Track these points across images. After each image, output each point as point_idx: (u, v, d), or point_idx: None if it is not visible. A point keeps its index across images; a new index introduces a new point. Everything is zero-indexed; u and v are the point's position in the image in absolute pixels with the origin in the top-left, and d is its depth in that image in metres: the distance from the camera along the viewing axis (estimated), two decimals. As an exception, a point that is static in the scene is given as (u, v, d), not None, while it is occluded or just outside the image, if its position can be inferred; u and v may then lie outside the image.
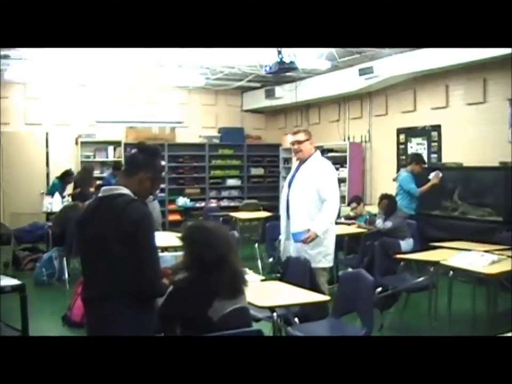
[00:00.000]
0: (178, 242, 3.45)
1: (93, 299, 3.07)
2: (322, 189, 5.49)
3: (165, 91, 13.34)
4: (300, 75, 11.76)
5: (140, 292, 2.97)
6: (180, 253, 3.52)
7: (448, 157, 9.91)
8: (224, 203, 13.99)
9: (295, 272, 5.02)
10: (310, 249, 5.46)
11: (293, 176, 5.77)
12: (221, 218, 10.46)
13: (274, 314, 4.10)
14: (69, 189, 10.74)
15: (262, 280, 4.90)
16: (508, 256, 5.60)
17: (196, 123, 14.17)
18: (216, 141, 14.20)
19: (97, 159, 12.96)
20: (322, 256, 5.58)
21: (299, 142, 5.80)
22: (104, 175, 11.97)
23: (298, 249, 5.49)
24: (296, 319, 4.38)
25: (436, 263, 5.66)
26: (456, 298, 5.99)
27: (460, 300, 6.24)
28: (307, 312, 4.56)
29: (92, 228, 3.05)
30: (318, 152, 5.90)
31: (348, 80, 11.08)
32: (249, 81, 12.45)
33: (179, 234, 3.46)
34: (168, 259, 4.05)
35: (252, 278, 4.38)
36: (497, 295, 5.83)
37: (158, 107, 13.48)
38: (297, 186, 5.67)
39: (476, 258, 5.41)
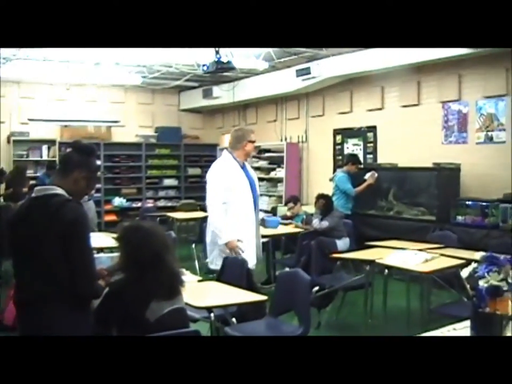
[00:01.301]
0: (114, 243, 3.40)
1: (27, 302, 2.98)
2: None
3: (101, 89, 13.14)
4: (237, 75, 11.76)
5: (75, 294, 2.91)
6: (116, 254, 3.47)
7: (384, 158, 10.08)
8: (161, 203, 13.86)
9: (232, 272, 5.01)
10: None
11: (248, 175, 5.75)
12: (158, 219, 10.35)
13: (212, 314, 4.08)
14: (1, 189, 10.44)
15: (199, 281, 4.87)
16: (440, 254, 5.73)
17: (133, 122, 14.01)
18: (153, 140, 14.06)
19: (31, 158, 12.64)
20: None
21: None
22: (38, 174, 11.66)
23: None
24: (233, 319, 4.37)
25: (371, 262, 5.75)
26: (391, 295, 6.10)
27: (395, 297, 6.35)
28: (244, 312, 4.55)
29: (25, 229, 2.97)
30: None
31: (285, 81, 11.14)
32: (187, 80, 12.38)
33: (115, 235, 3.41)
34: (104, 260, 3.97)
35: (189, 278, 4.36)
36: (431, 292, 5.96)
37: (93, 105, 13.27)
38: (256, 184, 5.78)
39: (410, 257, 5.52)
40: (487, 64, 8.36)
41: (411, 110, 9.68)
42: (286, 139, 12.48)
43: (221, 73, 9.31)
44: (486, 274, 2.56)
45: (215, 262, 5.59)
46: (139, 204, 13.58)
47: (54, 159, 12.16)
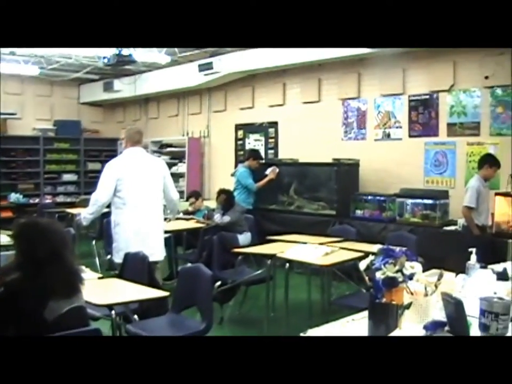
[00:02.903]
0: (9, 241, 3.27)
1: None
2: None
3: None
4: (139, 68, 11.61)
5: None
6: (12, 252, 3.34)
7: (285, 153, 10.22)
8: (60, 199, 13.46)
9: (134, 268, 4.94)
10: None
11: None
12: (57, 215, 10.08)
13: (113, 312, 4.00)
14: None
15: (100, 278, 4.76)
16: (340, 248, 5.87)
17: (30, 115, 13.53)
18: (52, 134, 13.64)
19: None
20: (116, 252, 5.68)
21: None
22: None
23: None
24: (135, 316, 4.31)
25: (272, 256, 5.80)
26: (292, 289, 6.18)
27: (296, 290, 6.45)
28: (146, 308, 4.51)
29: None
30: None
31: (188, 75, 11.08)
32: (87, 73, 12.06)
33: (10, 232, 3.28)
34: (-2, 258, 3.83)
35: (89, 275, 4.27)
36: (331, 285, 6.09)
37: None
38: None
39: (310, 251, 5.62)
40: (385, 64, 8.64)
41: (312, 107, 9.86)
42: (187, 134, 12.43)
43: (122, 66, 9.16)
44: (382, 266, 2.64)
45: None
46: (37, 200, 13.13)
47: None
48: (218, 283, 5.92)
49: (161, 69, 11.59)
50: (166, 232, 7.76)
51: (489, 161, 6.80)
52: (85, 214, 5.75)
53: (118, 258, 5.53)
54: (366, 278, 2.84)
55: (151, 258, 5.22)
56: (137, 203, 5.60)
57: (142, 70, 11.84)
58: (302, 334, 2.57)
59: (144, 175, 5.69)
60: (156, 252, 5.67)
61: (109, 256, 7.76)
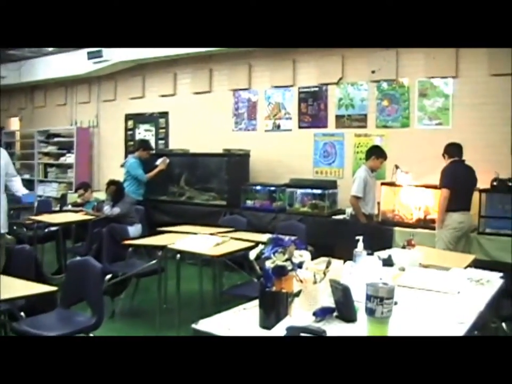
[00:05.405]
0: None
1: None
2: None
3: None
4: (25, 54, 11.18)
5: None
6: None
7: (175, 144, 10.18)
8: None
9: (19, 263, 4.77)
10: None
11: None
12: None
13: (-4, 309, 3.85)
14: None
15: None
16: (231, 238, 5.90)
17: None
18: None
19: None
20: None
21: None
22: None
23: None
24: (22, 313, 4.16)
25: (163, 247, 5.75)
26: (184, 280, 6.16)
27: (188, 281, 6.42)
28: (34, 304, 4.35)
29: None
30: None
31: (76, 63, 10.80)
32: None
33: None
34: None
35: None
36: (222, 275, 6.12)
37: None
38: None
39: (202, 241, 5.62)
40: (276, 56, 8.76)
41: (203, 97, 9.86)
42: (76, 123, 12.12)
43: (5, 50, 8.77)
44: (272, 255, 2.66)
45: None
46: None
47: None
48: (109, 276, 5.82)
49: (49, 56, 11.20)
50: (54, 225, 7.58)
51: (376, 153, 7.03)
52: None
53: None
54: (257, 267, 2.87)
55: None
56: None
57: (28, 56, 11.41)
58: (193, 325, 2.57)
59: None
60: None
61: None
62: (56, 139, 12.31)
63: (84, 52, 10.29)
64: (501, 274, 3.79)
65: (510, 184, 6.47)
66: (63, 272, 6.87)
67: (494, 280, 3.62)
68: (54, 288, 4.16)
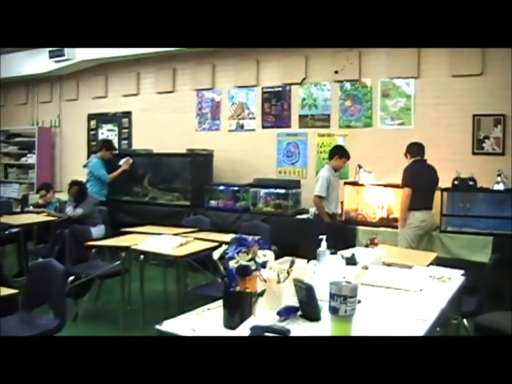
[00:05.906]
0: None
1: None
2: None
3: None
4: (-17, 52, 10.97)
5: None
6: None
7: (139, 144, 10.11)
8: None
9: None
10: None
11: None
12: None
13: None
14: None
15: None
16: (195, 238, 5.90)
17: None
18: None
19: None
20: None
21: None
22: None
23: None
24: (-19, 316, 4.09)
25: (127, 248, 5.72)
26: (148, 281, 6.14)
27: (152, 282, 6.40)
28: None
29: None
30: None
31: (37, 62, 10.63)
32: None
33: None
34: None
35: None
36: (186, 275, 6.10)
37: None
38: None
39: (165, 242, 5.60)
40: (240, 56, 8.77)
41: (166, 97, 9.83)
42: (37, 123, 11.94)
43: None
44: (235, 255, 2.67)
45: None
46: None
47: None
48: (72, 278, 5.75)
49: (9, 53, 11.00)
50: (15, 226, 7.46)
51: (339, 153, 7.08)
52: None
53: None
54: (221, 268, 2.86)
55: None
56: None
57: (-13, 54, 11.21)
58: (157, 326, 2.55)
59: None
60: None
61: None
62: (17, 139, 12.12)
63: (46, 50, 10.15)
64: (462, 271, 3.85)
65: (471, 183, 6.59)
66: (24, 275, 6.77)
67: (456, 278, 3.68)
68: (15, 291, 4.11)
